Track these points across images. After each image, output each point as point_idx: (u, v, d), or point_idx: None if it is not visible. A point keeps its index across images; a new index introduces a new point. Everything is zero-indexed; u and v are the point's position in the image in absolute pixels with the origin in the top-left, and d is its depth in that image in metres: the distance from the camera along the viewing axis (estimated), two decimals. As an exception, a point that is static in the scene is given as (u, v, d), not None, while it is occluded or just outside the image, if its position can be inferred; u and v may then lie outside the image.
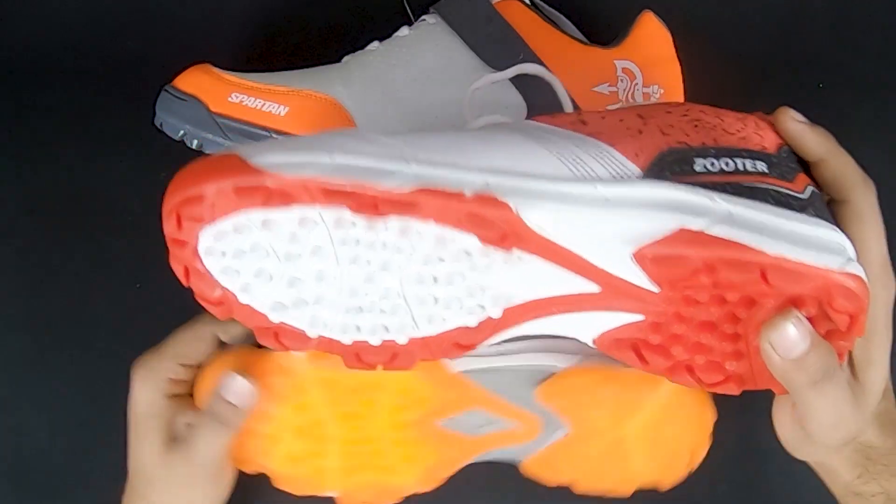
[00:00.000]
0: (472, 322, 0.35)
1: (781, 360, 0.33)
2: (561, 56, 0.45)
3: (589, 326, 0.36)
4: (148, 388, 0.41)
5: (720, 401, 0.50)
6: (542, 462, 0.43)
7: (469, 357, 0.40)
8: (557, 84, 0.42)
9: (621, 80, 0.46)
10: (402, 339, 0.35)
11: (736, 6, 0.53)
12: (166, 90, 0.46)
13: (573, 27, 0.48)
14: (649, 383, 0.41)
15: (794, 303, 0.33)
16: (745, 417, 0.50)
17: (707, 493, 0.48)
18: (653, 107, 0.37)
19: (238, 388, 0.39)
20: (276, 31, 0.53)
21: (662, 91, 0.47)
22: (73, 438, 0.51)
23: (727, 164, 0.34)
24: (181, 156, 0.44)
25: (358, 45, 0.47)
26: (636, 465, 0.43)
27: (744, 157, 0.34)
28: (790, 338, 0.33)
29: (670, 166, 0.34)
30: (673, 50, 0.47)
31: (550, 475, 0.44)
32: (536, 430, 0.42)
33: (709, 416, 0.43)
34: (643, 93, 0.46)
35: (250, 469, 0.43)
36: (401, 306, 0.35)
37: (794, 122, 0.36)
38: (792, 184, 0.34)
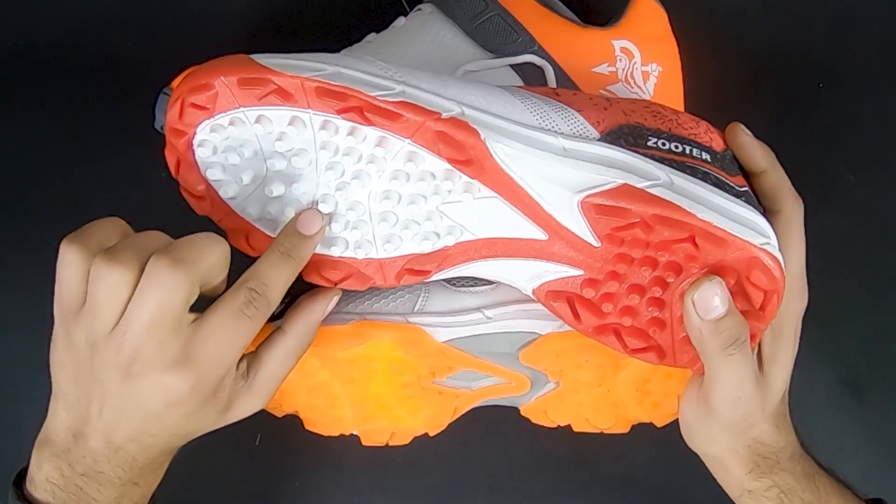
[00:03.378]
0: (426, 249, 0.38)
1: (700, 320, 0.36)
2: (559, 39, 0.45)
3: (531, 275, 0.39)
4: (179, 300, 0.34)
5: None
6: (537, 409, 0.47)
7: (452, 328, 0.43)
8: (549, 70, 0.45)
9: (620, 60, 0.46)
10: (359, 256, 0.39)
11: (736, 6, 0.53)
12: (164, 93, 0.45)
13: (567, 9, 0.47)
14: None
15: (717, 273, 0.36)
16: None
17: (708, 492, 0.48)
18: (621, 98, 0.41)
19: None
20: (273, 27, 0.53)
21: (661, 69, 0.46)
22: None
23: (676, 146, 0.37)
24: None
25: (355, 37, 0.47)
26: (628, 408, 0.46)
27: (692, 146, 0.38)
28: (710, 297, 0.36)
29: (626, 137, 0.37)
30: (669, 27, 0.47)
31: (547, 420, 0.47)
32: (526, 386, 0.45)
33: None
34: (642, 71, 0.46)
35: (281, 412, 0.46)
36: (364, 222, 0.38)
37: (744, 134, 0.40)
38: (731, 177, 0.38)
